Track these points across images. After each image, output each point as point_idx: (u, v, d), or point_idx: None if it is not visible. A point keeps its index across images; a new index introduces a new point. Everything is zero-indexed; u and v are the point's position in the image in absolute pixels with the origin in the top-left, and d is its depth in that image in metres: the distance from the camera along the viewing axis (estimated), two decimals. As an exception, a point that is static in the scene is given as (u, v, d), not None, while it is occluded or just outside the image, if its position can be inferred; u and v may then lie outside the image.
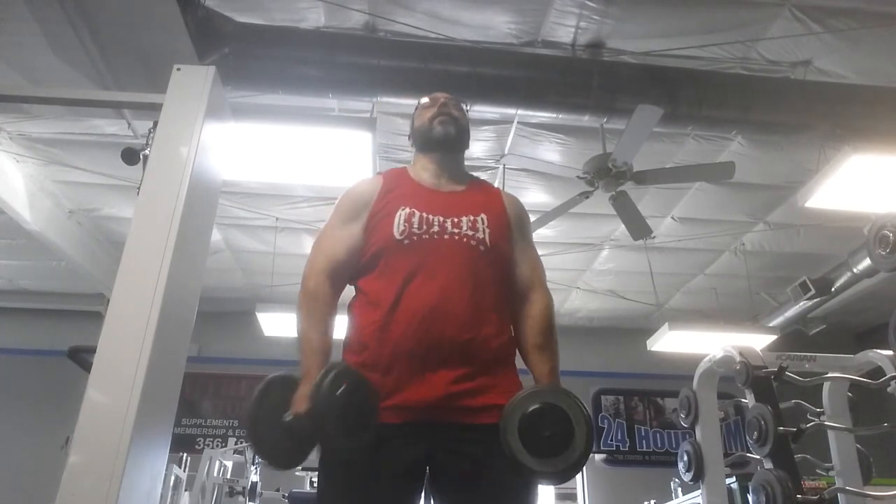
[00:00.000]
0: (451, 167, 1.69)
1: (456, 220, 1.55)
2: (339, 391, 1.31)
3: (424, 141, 1.71)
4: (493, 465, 1.36)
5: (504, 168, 4.58)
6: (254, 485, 4.86)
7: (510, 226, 1.63)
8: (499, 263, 1.56)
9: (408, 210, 1.54)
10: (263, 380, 1.44)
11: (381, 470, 1.36)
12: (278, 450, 1.41)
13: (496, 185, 4.44)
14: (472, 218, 1.56)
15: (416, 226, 1.52)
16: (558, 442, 1.32)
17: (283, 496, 4.83)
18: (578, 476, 6.89)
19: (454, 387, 1.40)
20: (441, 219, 1.54)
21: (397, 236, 1.51)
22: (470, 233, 1.53)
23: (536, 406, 1.34)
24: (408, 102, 1.94)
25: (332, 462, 1.42)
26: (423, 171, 1.69)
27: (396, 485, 1.37)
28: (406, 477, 1.38)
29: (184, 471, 5.05)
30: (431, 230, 1.52)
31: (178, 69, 2.24)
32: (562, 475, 1.35)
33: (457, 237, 1.52)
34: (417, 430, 1.38)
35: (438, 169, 1.68)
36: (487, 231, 1.55)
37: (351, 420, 1.31)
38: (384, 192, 1.62)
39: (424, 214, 1.54)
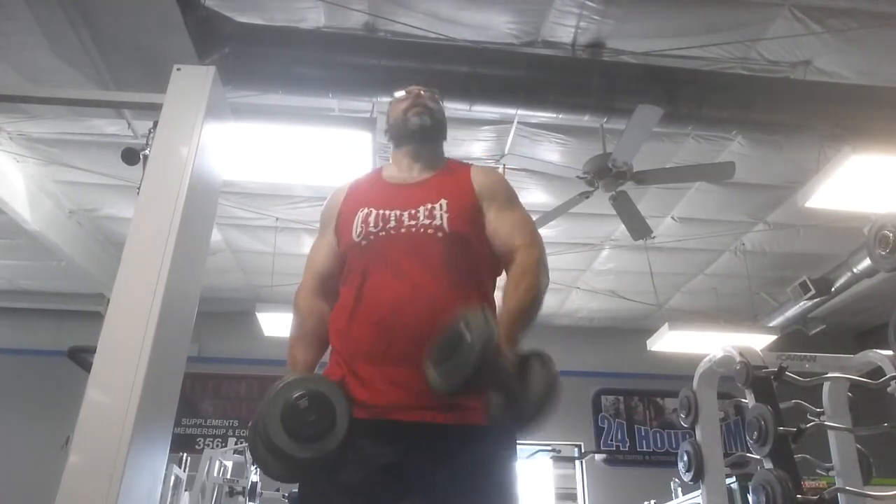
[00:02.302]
0: (425, 157, 1.66)
1: (413, 211, 1.51)
2: (280, 401, 1.30)
3: (399, 133, 1.68)
4: (465, 468, 1.33)
5: (504, 168, 4.58)
6: (254, 485, 4.86)
7: (476, 202, 1.55)
8: (460, 246, 1.49)
9: (366, 210, 1.54)
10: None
11: (346, 473, 1.32)
12: (268, 465, 1.40)
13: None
14: (429, 206, 1.51)
15: (372, 225, 1.51)
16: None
17: (283, 496, 4.83)
18: (578, 476, 6.89)
19: (416, 385, 1.32)
20: (398, 213, 1.51)
21: (355, 238, 1.52)
22: (427, 221, 1.49)
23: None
24: (408, 102, 1.93)
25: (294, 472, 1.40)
26: (396, 166, 1.68)
27: (364, 487, 1.32)
28: (374, 479, 1.33)
29: (184, 471, 5.04)
30: (388, 226, 1.50)
31: (178, 69, 2.24)
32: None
33: (413, 229, 1.49)
34: (385, 429, 1.34)
35: (412, 161, 1.65)
36: (445, 216, 1.50)
37: (297, 430, 1.29)
38: (349, 194, 1.64)
39: (381, 211, 1.52)
